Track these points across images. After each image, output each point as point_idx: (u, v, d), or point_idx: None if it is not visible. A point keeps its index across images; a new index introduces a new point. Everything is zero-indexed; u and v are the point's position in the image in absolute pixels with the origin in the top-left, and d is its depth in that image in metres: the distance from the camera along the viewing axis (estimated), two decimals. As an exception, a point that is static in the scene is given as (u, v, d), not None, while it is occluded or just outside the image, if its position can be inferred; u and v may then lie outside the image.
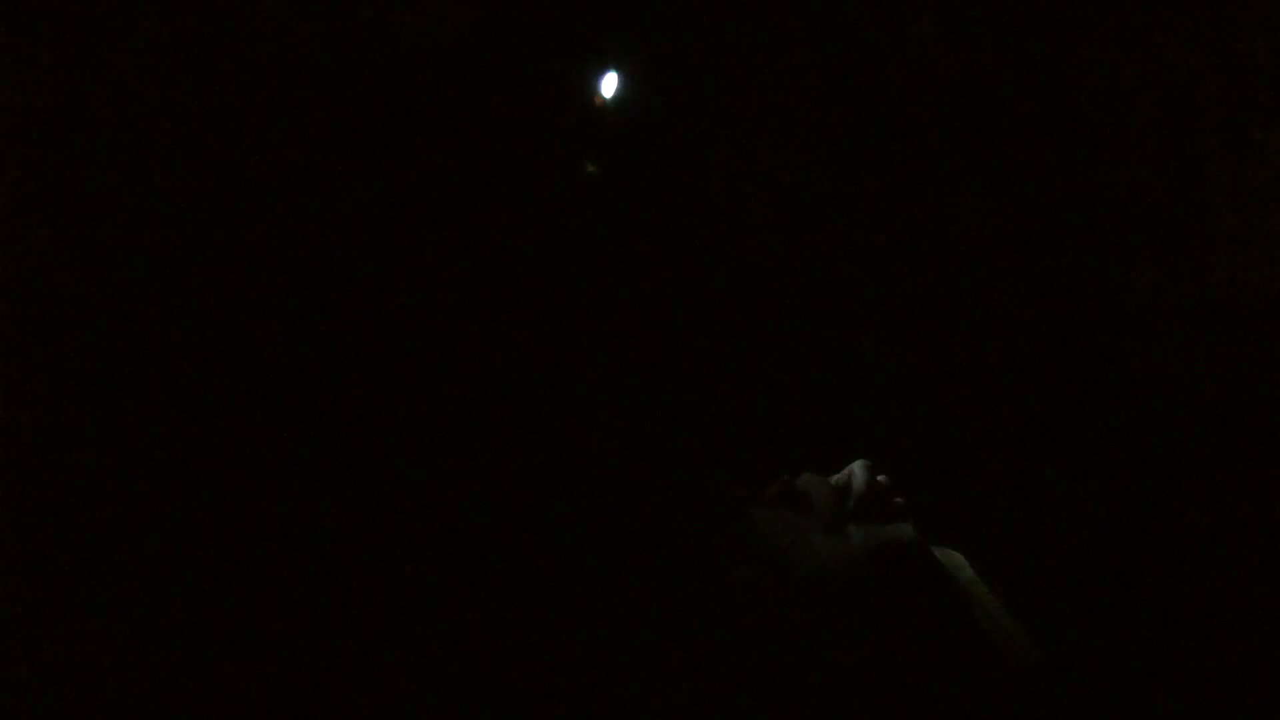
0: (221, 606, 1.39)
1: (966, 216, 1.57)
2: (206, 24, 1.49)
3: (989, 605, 1.07)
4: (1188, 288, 1.55)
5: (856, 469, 1.13)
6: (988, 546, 1.15)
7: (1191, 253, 1.55)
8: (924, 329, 1.56)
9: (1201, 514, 1.49)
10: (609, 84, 1.51)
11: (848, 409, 1.52)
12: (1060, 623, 1.14)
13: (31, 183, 1.44)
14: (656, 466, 1.47)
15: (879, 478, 1.13)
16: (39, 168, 1.44)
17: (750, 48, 1.54)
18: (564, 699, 1.29)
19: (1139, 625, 1.43)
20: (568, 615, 1.36)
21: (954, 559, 1.10)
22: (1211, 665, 1.41)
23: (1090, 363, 1.56)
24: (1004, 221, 1.57)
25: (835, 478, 1.14)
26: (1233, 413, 1.52)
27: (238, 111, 1.50)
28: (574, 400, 1.49)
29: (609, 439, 1.48)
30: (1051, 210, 1.57)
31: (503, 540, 1.42)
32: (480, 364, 1.49)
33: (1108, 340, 1.56)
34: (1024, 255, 1.57)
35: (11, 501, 1.39)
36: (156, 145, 1.48)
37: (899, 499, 1.13)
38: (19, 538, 1.39)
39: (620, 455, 1.47)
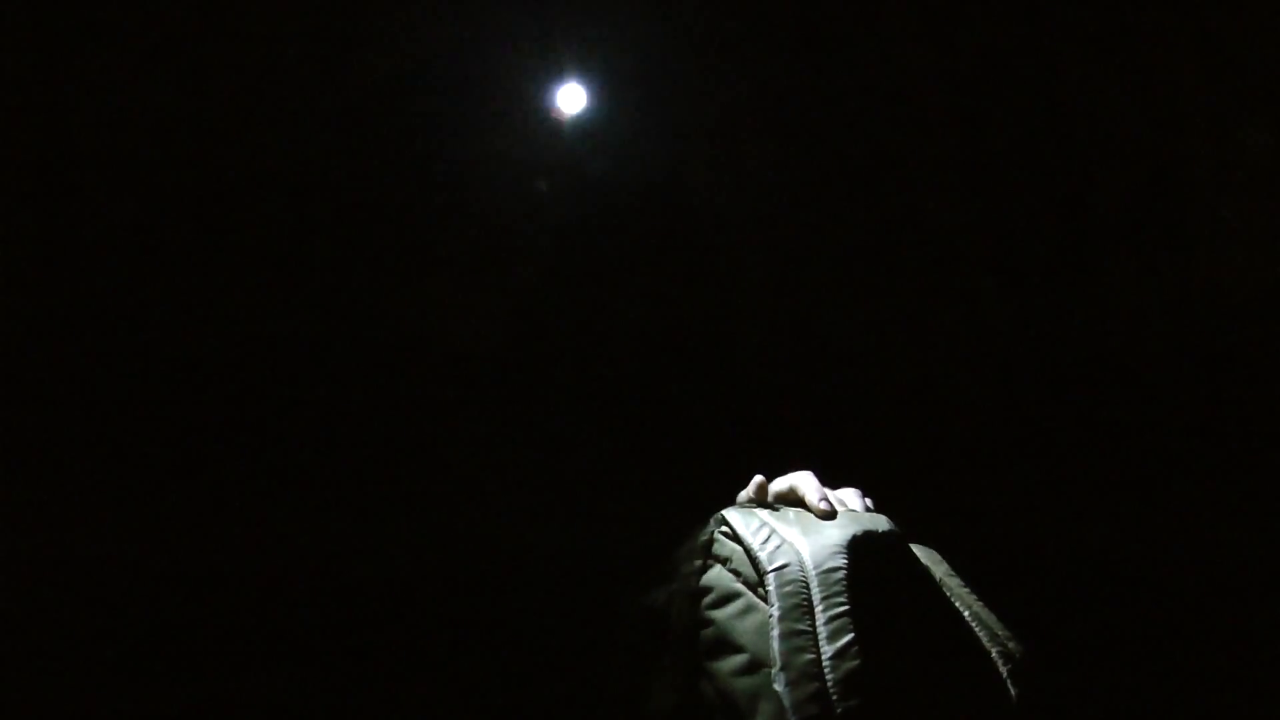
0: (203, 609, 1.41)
1: (947, 213, 1.58)
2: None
3: (966, 600, 1.07)
4: (1168, 282, 1.56)
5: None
6: (964, 541, 1.16)
7: (1172, 248, 1.56)
8: (903, 326, 1.57)
9: (1181, 506, 1.50)
10: (589, 87, 1.52)
11: (826, 409, 1.53)
12: (1036, 617, 1.15)
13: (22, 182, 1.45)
14: (634, 469, 1.49)
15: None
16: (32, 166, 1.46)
17: (733, 48, 1.55)
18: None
19: (1115, 619, 1.44)
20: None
21: (930, 554, 1.11)
22: (1186, 661, 1.42)
23: (1071, 357, 1.57)
24: (985, 218, 1.58)
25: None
26: (1212, 404, 1.53)
27: (231, 113, 1.51)
28: (555, 402, 1.51)
29: (587, 439, 1.49)
30: (1034, 207, 1.58)
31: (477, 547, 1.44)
32: (463, 364, 1.51)
33: (1088, 334, 1.57)
34: (1005, 251, 1.58)
35: (10, 501, 1.41)
36: (151, 145, 1.49)
37: (868, 500, 1.14)
38: (18, 538, 1.40)
39: (600, 458, 1.48)
